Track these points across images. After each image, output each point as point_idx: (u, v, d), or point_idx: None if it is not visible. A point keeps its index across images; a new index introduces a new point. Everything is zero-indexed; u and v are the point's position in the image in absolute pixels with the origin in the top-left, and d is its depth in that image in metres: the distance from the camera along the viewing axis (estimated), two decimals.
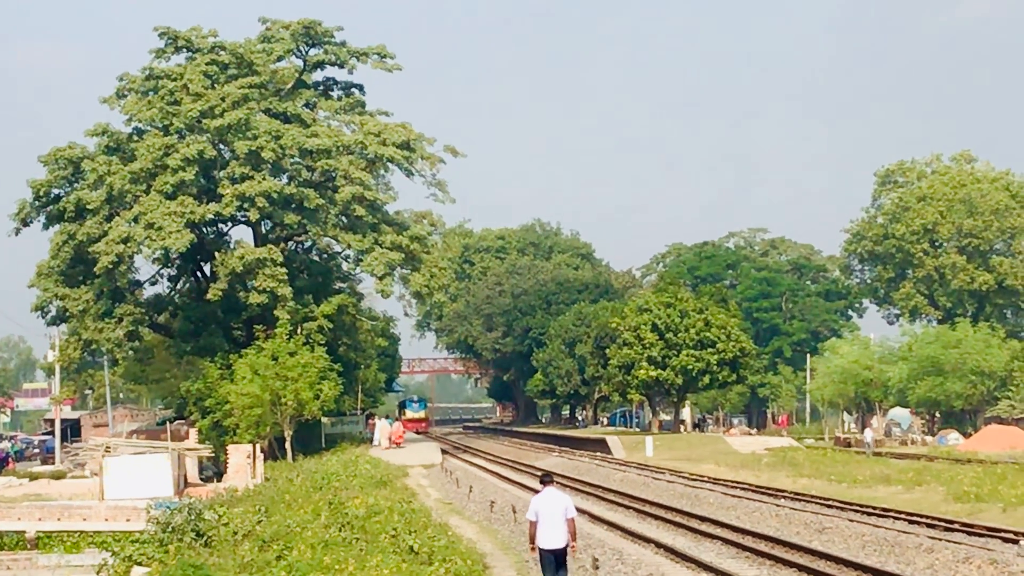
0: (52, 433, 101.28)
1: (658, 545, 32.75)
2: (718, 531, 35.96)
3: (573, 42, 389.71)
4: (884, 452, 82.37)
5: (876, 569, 26.87)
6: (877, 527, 36.23)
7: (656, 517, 41.79)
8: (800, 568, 27.97)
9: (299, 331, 76.60)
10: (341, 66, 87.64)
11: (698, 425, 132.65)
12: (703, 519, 39.71)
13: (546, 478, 25.83)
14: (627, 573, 26.97)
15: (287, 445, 73.39)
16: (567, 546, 24.12)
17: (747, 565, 29.28)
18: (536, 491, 30.34)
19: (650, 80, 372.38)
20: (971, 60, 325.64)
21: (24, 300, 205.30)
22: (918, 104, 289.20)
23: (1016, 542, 31.89)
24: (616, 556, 29.74)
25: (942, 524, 36.88)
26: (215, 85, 80.00)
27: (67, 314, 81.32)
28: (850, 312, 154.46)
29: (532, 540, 24.32)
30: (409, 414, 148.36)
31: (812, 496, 48.80)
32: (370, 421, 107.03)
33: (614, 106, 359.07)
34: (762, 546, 32.03)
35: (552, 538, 23.94)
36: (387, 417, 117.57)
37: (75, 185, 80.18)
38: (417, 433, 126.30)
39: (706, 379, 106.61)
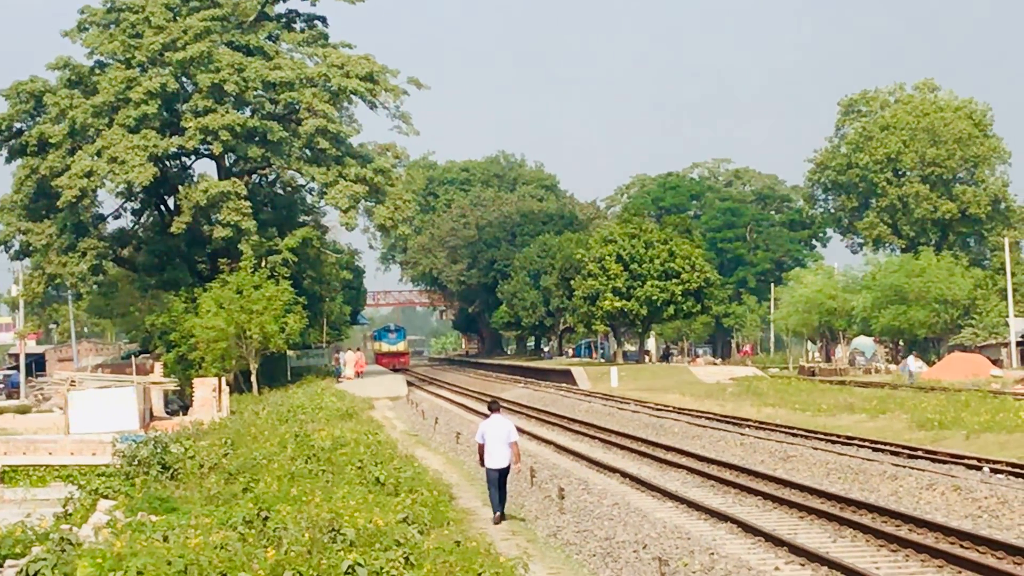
0: (17, 368, 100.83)
1: (623, 475, 32.81)
2: (683, 460, 36.05)
3: None
4: (848, 380, 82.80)
5: (840, 496, 26.98)
6: (841, 455, 36.38)
7: (621, 447, 41.88)
8: (765, 496, 28.05)
9: (263, 264, 76.49)
10: None
11: (663, 356, 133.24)
12: (668, 449, 39.82)
13: (493, 405, 28.36)
14: (593, 503, 27.01)
15: (253, 378, 73.40)
16: (509, 466, 26.59)
17: (712, 494, 29.37)
18: (483, 415, 32.30)
19: (616, 14, 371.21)
20: None
21: None
22: (882, 33, 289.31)
23: (979, 468, 32.03)
24: (582, 486, 29.81)
25: (906, 451, 37.03)
26: (177, 18, 79.66)
27: (31, 248, 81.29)
28: (814, 242, 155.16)
29: (481, 460, 26.84)
30: (385, 347, 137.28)
31: (776, 425, 48.97)
32: (335, 355, 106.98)
33: (579, 39, 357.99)
34: (727, 475, 32.12)
35: (497, 459, 26.41)
36: (359, 350, 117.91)
37: (37, 119, 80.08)
38: (394, 370, 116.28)
39: (671, 310, 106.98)
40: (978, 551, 20.62)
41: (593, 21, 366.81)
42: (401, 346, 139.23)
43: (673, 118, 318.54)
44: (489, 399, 32.15)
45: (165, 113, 78.74)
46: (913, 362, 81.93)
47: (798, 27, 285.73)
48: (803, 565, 20.13)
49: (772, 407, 60.05)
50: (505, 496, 27.16)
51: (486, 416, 28.58)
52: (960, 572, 19.31)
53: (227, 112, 77.73)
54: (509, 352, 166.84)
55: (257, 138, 79.64)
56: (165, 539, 19.44)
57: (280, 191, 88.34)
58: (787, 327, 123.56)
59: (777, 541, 21.84)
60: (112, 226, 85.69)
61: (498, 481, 26.65)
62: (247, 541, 19.21)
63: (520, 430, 35.32)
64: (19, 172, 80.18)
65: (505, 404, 61.13)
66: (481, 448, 26.90)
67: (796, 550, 20.96)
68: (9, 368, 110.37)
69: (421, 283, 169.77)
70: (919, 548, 20.93)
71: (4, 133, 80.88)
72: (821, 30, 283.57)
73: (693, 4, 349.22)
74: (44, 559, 18.38)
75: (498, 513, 26.74)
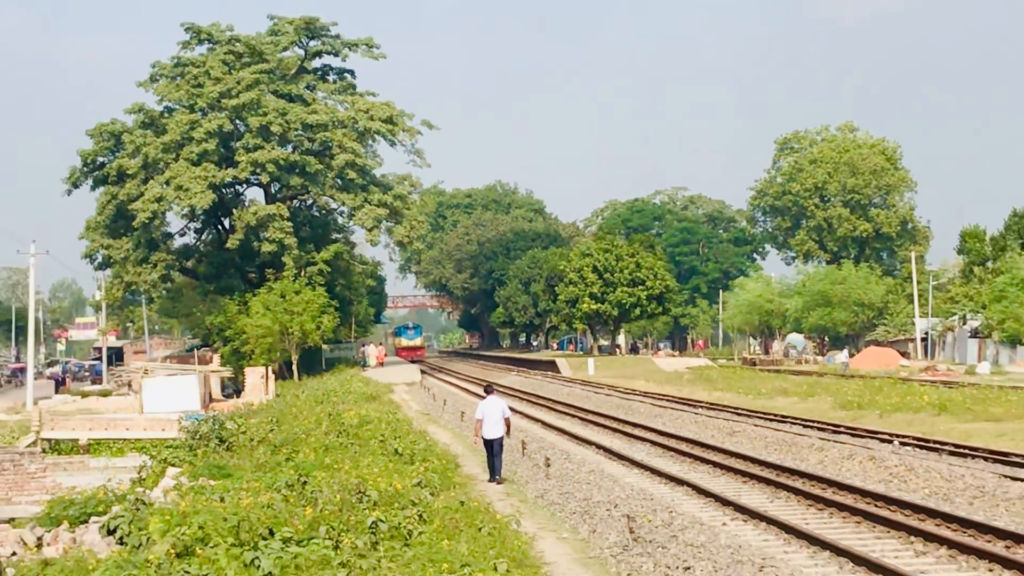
0: (100, 359, 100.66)
1: (598, 447, 32.81)
2: (647, 435, 36.03)
3: (526, 41, 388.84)
4: (783, 369, 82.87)
5: (777, 465, 26.98)
6: (777, 430, 36.40)
7: (596, 424, 41.86)
8: (714, 464, 28.06)
9: (303, 274, 76.79)
10: (336, 55, 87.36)
11: (631, 349, 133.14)
12: (635, 425, 39.79)
13: (489, 388, 29.11)
14: (573, 470, 26.99)
15: (294, 367, 73.41)
16: (502, 436, 27.11)
17: (671, 462, 29.37)
18: (481, 396, 32.65)
19: (592, 70, 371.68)
20: (854, 47, 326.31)
21: (75, 250, 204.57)
22: (810, 83, 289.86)
23: (890, 442, 32.09)
24: (564, 456, 29.79)
25: (830, 428, 37.08)
26: (232, 71, 79.85)
27: (111, 261, 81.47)
28: (755, 255, 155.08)
29: (477, 432, 27.47)
30: (404, 342, 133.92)
31: (724, 406, 49.00)
32: (361, 348, 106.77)
33: (563, 88, 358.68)
34: (683, 447, 32.12)
35: (492, 431, 26.89)
36: (381, 344, 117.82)
37: (116, 154, 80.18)
38: (412, 362, 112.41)
39: (637, 311, 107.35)
40: (889, 509, 20.62)
41: (574, 73, 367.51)
42: (418, 341, 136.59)
43: (639, 152, 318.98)
44: (486, 384, 32.25)
45: (222, 149, 78.71)
46: (844, 355, 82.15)
47: (741, 78, 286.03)
48: (746, 521, 20.12)
49: (721, 391, 60.12)
50: (501, 463, 27.26)
51: (483, 397, 28.72)
52: (875, 527, 19.31)
53: (273, 149, 78.11)
54: (504, 346, 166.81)
55: (297, 170, 79.79)
56: (221, 500, 19.39)
57: (316, 213, 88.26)
58: (733, 325, 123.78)
59: (724, 501, 21.84)
60: (178, 242, 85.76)
61: (494, 448, 26.98)
62: (289, 501, 19.17)
63: (513, 409, 35.43)
64: (102, 198, 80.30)
65: (500, 388, 61.05)
66: (479, 423, 27.23)
67: (740, 508, 20.96)
68: (93, 359, 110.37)
69: (432, 289, 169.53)
70: (841, 507, 20.93)
71: (89, 166, 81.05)
72: (761, 80, 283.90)
73: (653, 65, 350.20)
74: (122, 516, 18.35)
75: (497, 478, 26.84)
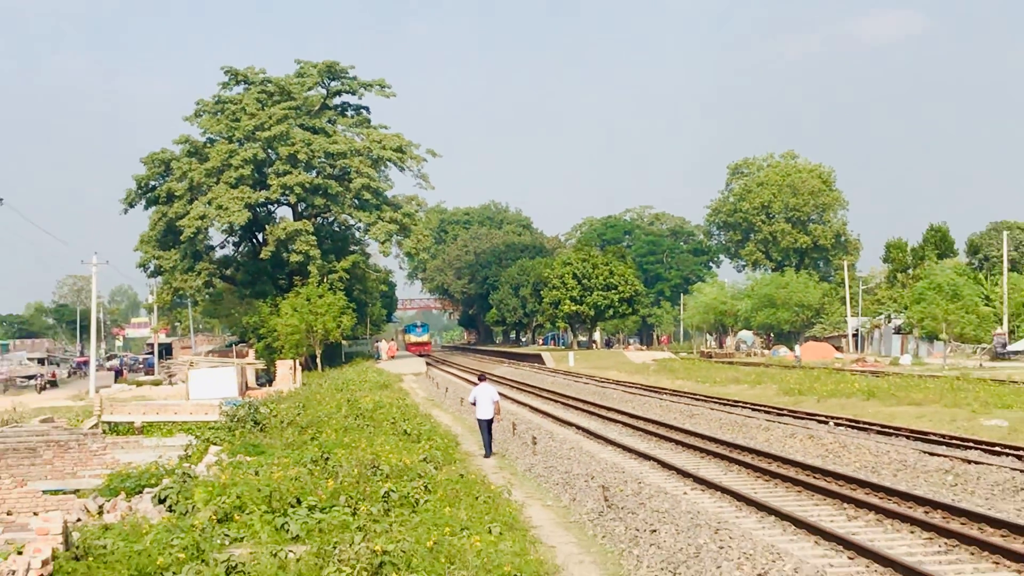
0: (152, 353, 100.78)
1: (578, 427, 32.82)
2: (619, 417, 36.06)
3: (517, 81, 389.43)
4: (734, 361, 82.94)
5: (729, 442, 27.03)
6: (730, 413, 36.44)
7: (576, 408, 41.87)
8: (676, 442, 28.09)
9: (325, 280, 77.07)
10: (353, 93, 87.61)
11: (606, 344, 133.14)
12: (608, 409, 39.82)
13: (481, 376, 29.38)
14: (556, 446, 27.02)
15: (318, 360, 73.51)
16: (493, 417, 27.14)
17: (639, 440, 29.40)
18: (474, 383, 33.40)
19: (572, 104, 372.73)
20: (796, 85, 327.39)
21: (131, 260, 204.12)
22: (758, 117, 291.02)
23: (826, 423, 32.15)
24: (548, 435, 29.80)
25: (775, 411, 37.12)
26: (264, 108, 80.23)
27: (161, 269, 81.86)
28: (710, 264, 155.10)
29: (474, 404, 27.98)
30: (413, 338, 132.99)
31: (685, 392, 49.07)
32: (375, 344, 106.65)
33: (548, 118, 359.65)
34: (650, 427, 32.16)
35: (484, 412, 27.05)
36: (392, 340, 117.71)
37: (166, 178, 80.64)
38: (420, 356, 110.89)
39: (610, 312, 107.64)
40: (825, 480, 20.67)
41: (557, 108, 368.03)
42: (425, 337, 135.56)
43: (612, 175, 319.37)
44: (479, 373, 32.63)
45: (256, 174, 79.01)
46: (797, 350, 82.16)
47: (700, 112, 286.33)
48: (703, 490, 20.16)
49: (682, 380, 60.16)
50: (491, 440, 27.38)
51: (476, 384, 28.86)
52: (813, 495, 19.35)
53: (299, 174, 78.55)
54: (497, 342, 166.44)
55: (320, 192, 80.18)
56: (256, 473, 19.39)
57: (336, 229, 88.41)
58: (692, 324, 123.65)
59: (685, 474, 21.87)
60: (218, 253, 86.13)
61: (486, 427, 27.08)
62: (313, 474, 19.18)
63: (503, 395, 35.51)
64: (153, 216, 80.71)
65: (493, 377, 61.12)
66: (473, 406, 27.76)
67: (699, 480, 21.00)
68: (147, 354, 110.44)
69: (436, 293, 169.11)
70: (784, 478, 20.98)
71: (143, 188, 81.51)
72: (716, 114, 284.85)
73: (626, 101, 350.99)
74: (171, 487, 18.34)
75: (488, 454, 26.94)
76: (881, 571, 13.36)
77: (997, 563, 13.71)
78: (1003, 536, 15.13)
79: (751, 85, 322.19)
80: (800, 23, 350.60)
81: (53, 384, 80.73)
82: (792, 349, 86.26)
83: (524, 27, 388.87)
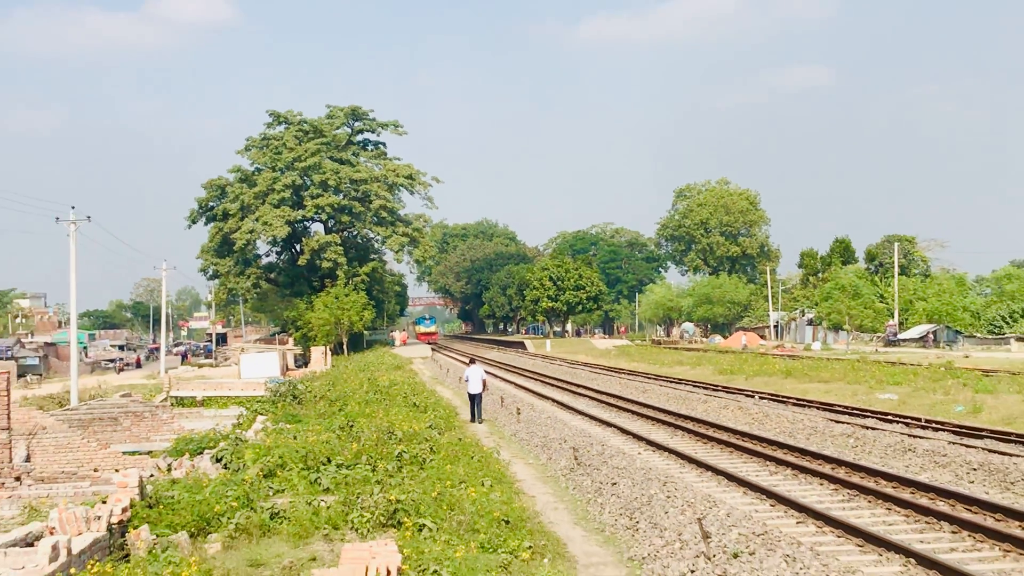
0: (211, 342, 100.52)
1: (553, 401, 32.82)
2: (586, 392, 36.09)
3: (504, 117, 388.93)
4: (679, 347, 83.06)
5: (676, 412, 27.09)
6: (676, 389, 36.53)
7: (552, 385, 41.87)
8: (632, 412, 28.14)
9: (350, 282, 76.90)
10: (372, 132, 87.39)
11: (576, 333, 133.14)
12: (578, 386, 39.84)
13: (472, 359, 30.07)
14: (536, 416, 27.02)
15: (344, 346, 73.37)
16: (481, 391, 27.69)
17: (603, 410, 29.42)
18: (467, 364, 32.80)
19: (549, 137, 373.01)
20: (728, 125, 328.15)
21: (193, 266, 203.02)
22: (698, 150, 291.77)
23: (752, 396, 32.24)
24: (530, 407, 29.79)
25: (711, 387, 37.23)
26: (301, 143, 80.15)
27: (218, 274, 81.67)
28: (660, 269, 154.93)
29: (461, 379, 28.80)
30: (422, 329, 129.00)
31: (639, 372, 49.14)
32: (390, 333, 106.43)
33: (530, 153, 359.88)
34: (611, 400, 32.21)
35: (474, 388, 27.60)
36: (404, 331, 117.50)
37: (222, 200, 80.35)
38: (429, 344, 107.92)
39: (580, 307, 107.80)
40: (752, 443, 20.73)
41: (537, 141, 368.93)
42: (433, 328, 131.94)
43: (581, 196, 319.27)
44: (470, 356, 32.89)
45: (294, 197, 78.80)
46: (744, 338, 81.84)
47: (653, 144, 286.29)
48: (654, 451, 20.18)
49: (637, 362, 60.30)
50: (481, 410, 27.73)
51: (467, 364, 29.29)
52: (742, 455, 19.40)
53: (329, 196, 78.47)
54: (489, 332, 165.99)
55: (346, 211, 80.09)
56: (294, 437, 19.35)
57: (359, 241, 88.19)
58: (645, 317, 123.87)
59: (639, 438, 21.89)
60: (264, 261, 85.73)
61: (475, 399, 27.49)
62: (340, 438, 19.14)
63: (492, 375, 35.51)
64: (212, 230, 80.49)
65: (484, 360, 61.07)
66: (465, 383, 28.21)
67: (651, 443, 21.01)
68: (206, 342, 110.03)
69: (439, 292, 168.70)
70: (719, 441, 21.02)
71: (203, 208, 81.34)
72: (667, 146, 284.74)
73: (593, 134, 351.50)
74: (226, 449, 18.30)
75: (478, 420, 27.28)
76: (796, 515, 13.40)
77: (889, 509, 13.79)
78: (894, 487, 15.20)
79: (694, 125, 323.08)
80: (732, 76, 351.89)
81: (139, 366, 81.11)
82: (725, 337, 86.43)
83: (512, 78, 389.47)
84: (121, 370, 73.33)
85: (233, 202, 77.93)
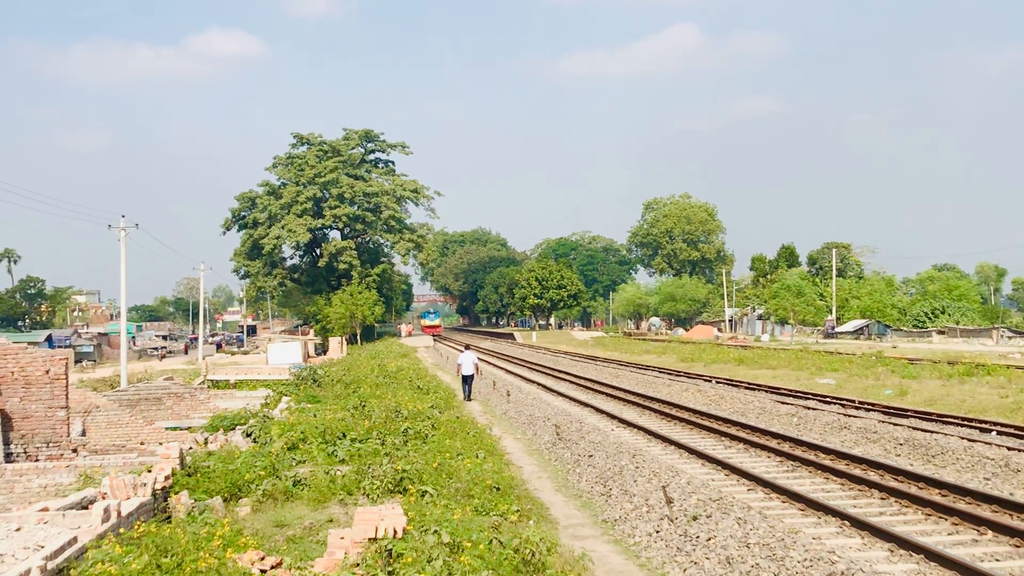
0: (242, 333, 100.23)
1: (538, 384, 32.77)
2: (567, 377, 36.06)
3: (500, 135, 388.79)
4: (647, 338, 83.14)
5: (644, 395, 27.11)
6: (644, 374, 36.53)
7: (537, 371, 41.81)
8: (606, 395, 28.14)
9: (363, 282, 76.75)
10: (383, 152, 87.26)
11: (559, 326, 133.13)
12: (560, 371, 39.80)
13: (467, 347, 30.34)
14: (523, 398, 27.00)
15: (358, 337, 73.25)
16: (473, 374, 28.04)
17: (581, 393, 29.41)
18: (461, 351, 33.70)
19: (536, 154, 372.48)
20: (690, 146, 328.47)
21: (227, 267, 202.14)
22: (665, 167, 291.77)
23: (709, 381, 32.26)
24: (518, 390, 29.74)
25: (675, 372, 37.25)
26: (321, 161, 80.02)
27: (249, 274, 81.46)
28: (631, 271, 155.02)
29: (458, 372, 28.29)
30: (427, 322, 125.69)
31: (612, 360, 49.14)
32: (398, 325, 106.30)
33: (520, 168, 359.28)
34: (588, 384, 32.19)
35: (467, 371, 27.85)
36: (410, 324, 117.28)
37: (252, 210, 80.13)
38: (432, 335, 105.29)
39: (562, 304, 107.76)
40: (709, 420, 20.76)
41: (526, 158, 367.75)
42: (437, 321, 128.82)
43: (564, 206, 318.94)
44: (465, 344, 33.03)
45: (315, 208, 78.76)
46: (716, 332, 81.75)
47: (626, 162, 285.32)
48: (625, 428, 20.18)
49: (610, 351, 60.28)
50: (472, 390, 28.12)
51: (461, 351, 29.29)
52: (700, 431, 19.42)
53: (345, 208, 78.41)
54: (483, 325, 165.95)
55: (360, 220, 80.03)
56: (314, 415, 19.30)
57: (371, 246, 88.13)
58: (618, 312, 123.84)
59: (612, 416, 21.89)
60: (289, 263, 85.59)
61: (468, 380, 27.81)
62: (354, 416, 19.10)
63: (484, 361, 35.44)
64: (244, 236, 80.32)
65: (478, 349, 61.02)
66: (458, 367, 28.24)
67: (622, 421, 21.00)
68: (239, 333, 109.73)
69: (440, 290, 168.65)
70: (680, 419, 21.04)
71: (236, 217, 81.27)
72: (639, 163, 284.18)
73: (575, 152, 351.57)
74: (255, 425, 18.23)
75: (469, 399, 27.50)
76: (747, 483, 13.43)
77: (828, 478, 13.83)
78: (831, 459, 15.25)
79: (661, 146, 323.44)
80: (694, 104, 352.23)
81: (186, 353, 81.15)
82: (687, 330, 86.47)
83: (505, 105, 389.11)
84: (163, 357, 73.12)
85: (262, 212, 77.82)
